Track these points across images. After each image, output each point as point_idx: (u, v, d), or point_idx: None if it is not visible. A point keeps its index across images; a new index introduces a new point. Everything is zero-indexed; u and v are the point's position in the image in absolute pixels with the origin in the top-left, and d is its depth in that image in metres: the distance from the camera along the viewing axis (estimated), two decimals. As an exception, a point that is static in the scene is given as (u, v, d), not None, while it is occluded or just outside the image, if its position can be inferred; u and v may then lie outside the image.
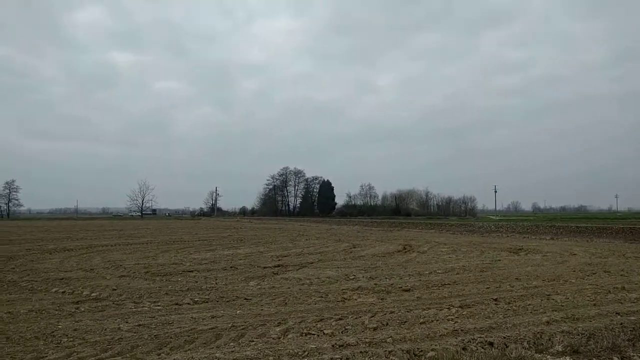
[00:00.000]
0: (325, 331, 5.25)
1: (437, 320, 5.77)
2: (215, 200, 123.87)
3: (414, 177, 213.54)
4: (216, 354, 4.39)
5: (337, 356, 4.31)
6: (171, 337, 5.00)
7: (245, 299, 7.26)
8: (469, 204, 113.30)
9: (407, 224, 43.82)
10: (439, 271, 10.46)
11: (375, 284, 8.59)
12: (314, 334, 5.15)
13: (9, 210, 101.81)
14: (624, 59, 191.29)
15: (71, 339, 4.94)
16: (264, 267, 11.16)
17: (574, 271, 10.43)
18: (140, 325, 5.54)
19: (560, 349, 4.59)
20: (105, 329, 5.33)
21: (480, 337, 4.95)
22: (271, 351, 4.47)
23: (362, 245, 18.40)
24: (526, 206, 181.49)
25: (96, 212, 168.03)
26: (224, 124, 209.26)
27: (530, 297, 7.34)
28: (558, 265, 11.53)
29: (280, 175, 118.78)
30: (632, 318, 5.85)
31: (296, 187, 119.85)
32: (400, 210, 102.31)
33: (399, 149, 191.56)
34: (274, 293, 7.74)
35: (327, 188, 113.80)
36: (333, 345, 4.66)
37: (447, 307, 6.57)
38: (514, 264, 11.93)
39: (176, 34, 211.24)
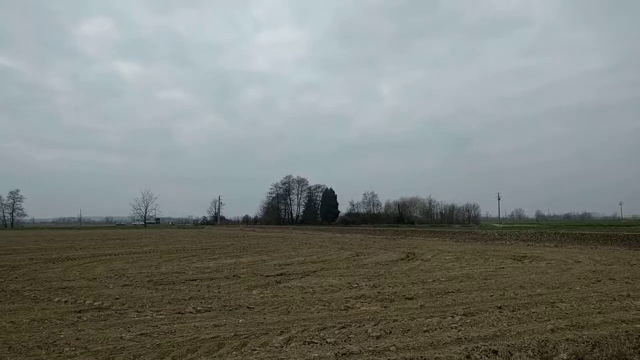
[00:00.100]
0: (328, 340, 5.23)
1: (441, 329, 5.74)
2: (218, 209, 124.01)
3: (417, 184, 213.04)
4: (218, 363, 4.37)
5: (340, 365, 4.29)
6: (173, 346, 4.99)
7: (248, 307, 7.24)
8: (472, 211, 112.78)
9: (410, 232, 43.66)
10: (443, 279, 10.41)
11: (379, 292, 8.56)
12: (316, 343, 5.12)
13: (12, 219, 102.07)
14: (630, 66, 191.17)
15: (73, 349, 4.93)
16: (267, 276, 11.13)
17: (579, 279, 10.36)
18: (142, 334, 5.53)
19: (565, 357, 4.55)
20: (108, 338, 5.32)
21: (484, 346, 4.91)
22: (274, 360, 4.45)
23: (365, 254, 18.34)
24: (530, 213, 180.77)
25: (99, 222, 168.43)
26: (227, 133, 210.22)
27: (535, 304, 7.29)
28: (562, 273, 11.46)
29: (283, 184, 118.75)
30: (638, 326, 5.81)
31: (299, 196, 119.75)
32: (403, 218, 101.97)
33: (402, 157, 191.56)
34: (277, 302, 7.72)
35: (330, 196, 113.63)
36: (336, 354, 4.64)
37: (451, 315, 6.53)
38: (517, 271, 11.86)
39: (181, 45, 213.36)
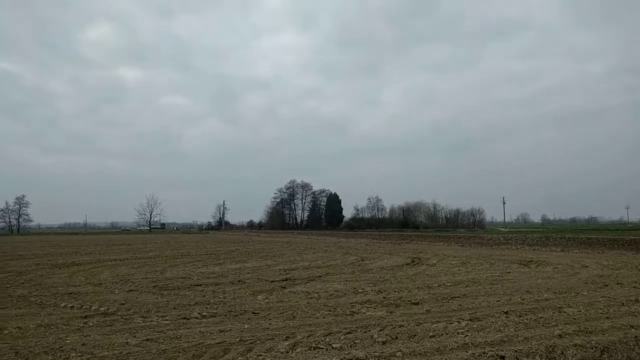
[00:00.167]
0: (334, 345, 5.21)
1: (447, 334, 5.70)
2: (223, 214, 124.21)
3: (422, 189, 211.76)
4: (224, 369, 4.36)
5: (346, 371, 4.27)
6: (179, 352, 4.99)
7: (253, 313, 7.23)
8: (478, 215, 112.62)
9: (415, 237, 43.53)
10: (448, 284, 10.36)
11: (384, 297, 8.52)
12: (322, 348, 5.10)
13: (19, 225, 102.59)
14: (633, 69, 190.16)
15: (79, 354, 4.94)
16: (272, 281, 11.12)
17: (586, 283, 10.28)
18: (148, 339, 5.53)
19: (573, 363, 4.51)
20: (114, 344, 5.33)
21: (491, 351, 4.88)
22: (279, 366, 4.44)
23: (370, 259, 18.29)
24: (535, 218, 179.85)
25: (105, 227, 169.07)
26: (231, 138, 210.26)
27: (542, 310, 7.24)
28: (569, 278, 11.38)
29: (287, 189, 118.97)
30: (647, 331, 5.75)
31: (303, 201, 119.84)
32: (408, 223, 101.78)
33: (406, 161, 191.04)
34: (282, 307, 7.70)
35: (334, 201, 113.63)
36: (342, 359, 4.62)
37: (457, 320, 6.49)
38: (524, 276, 11.79)
39: (183, 50, 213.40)
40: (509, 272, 12.71)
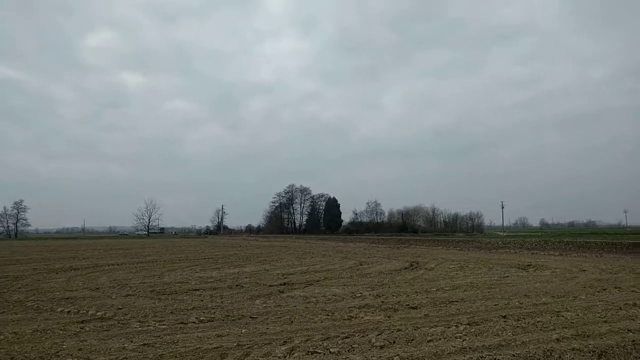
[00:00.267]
0: (332, 350, 5.19)
1: (445, 338, 5.69)
2: (222, 218, 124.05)
3: (421, 193, 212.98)
4: (221, 374, 4.34)
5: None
6: (176, 357, 4.97)
7: (251, 317, 7.21)
8: (476, 220, 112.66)
9: (414, 241, 43.53)
10: (447, 288, 10.34)
11: (382, 302, 8.51)
12: (320, 353, 5.09)
13: (16, 230, 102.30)
14: (634, 73, 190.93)
15: (76, 359, 4.91)
16: (270, 285, 11.09)
17: (584, 287, 10.28)
18: (145, 344, 5.51)
19: (571, 367, 4.50)
20: (110, 349, 5.31)
21: (489, 355, 4.87)
22: (277, 370, 4.42)
23: (368, 263, 18.27)
24: (534, 222, 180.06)
25: (103, 231, 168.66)
26: (231, 143, 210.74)
27: (540, 314, 7.23)
28: (567, 282, 11.38)
29: (286, 193, 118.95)
30: (645, 335, 5.74)
31: (302, 205, 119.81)
32: (407, 227, 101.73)
33: (406, 166, 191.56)
34: (280, 311, 7.68)
35: (333, 205, 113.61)
36: (339, 364, 4.60)
37: (455, 324, 6.48)
38: (522, 280, 11.78)
39: (185, 56, 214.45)
40: (507, 276, 12.71)
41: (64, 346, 5.46)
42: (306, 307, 8.04)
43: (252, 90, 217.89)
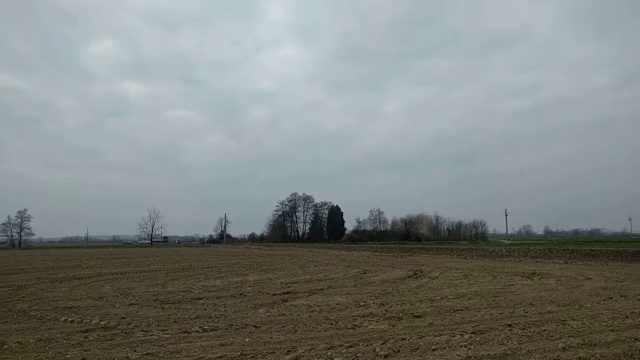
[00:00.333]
0: (336, 359, 5.17)
1: (450, 347, 5.65)
2: (225, 227, 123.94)
3: (424, 201, 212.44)
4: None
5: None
6: (180, 366, 4.95)
7: (255, 326, 7.18)
8: (480, 228, 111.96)
9: (417, 249, 43.33)
10: (451, 297, 10.29)
11: (386, 310, 8.47)
12: (324, 362, 5.06)
13: (20, 239, 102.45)
14: (635, 81, 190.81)
15: (79, 369, 4.90)
16: (273, 294, 11.06)
17: (590, 296, 10.21)
18: (148, 353, 5.49)
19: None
20: (114, 358, 5.30)
21: (494, 365, 4.83)
22: (281, 380, 4.40)
23: (372, 271, 18.21)
24: (538, 230, 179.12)
25: (106, 240, 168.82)
26: (233, 151, 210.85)
27: (545, 322, 7.18)
28: (573, 290, 11.30)
29: (289, 201, 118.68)
30: (652, 344, 5.69)
31: (305, 213, 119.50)
32: (410, 235, 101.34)
33: (408, 174, 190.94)
34: (284, 320, 7.66)
35: (336, 213, 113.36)
36: (343, 374, 4.58)
37: (460, 333, 6.44)
38: (527, 288, 11.71)
39: (187, 64, 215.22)
40: (512, 285, 12.63)
41: (68, 356, 5.45)
42: (310, 316, 8.01)
43: (254, 99, 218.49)
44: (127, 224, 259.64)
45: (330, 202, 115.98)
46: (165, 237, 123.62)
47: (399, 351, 5.49)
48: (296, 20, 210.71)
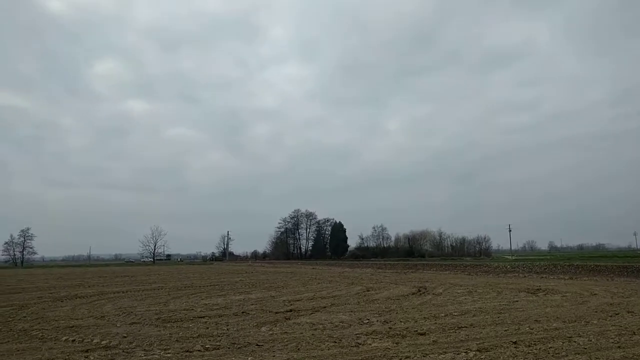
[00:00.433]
0: (339, 378, 5.10)
1: (455, 365, 5.58)
2: (227, 244, 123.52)
3: (427, 217, 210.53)
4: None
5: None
6: (181, 386, 4.90)
7: (257, 345, 7.12)
8: (484, 244, 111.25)
9: (421, 266, 43.05)
10: (455, 313, 10.19)
11: (390, 328, 8.38)
12: (327, 381, 5.00)
13: (23, 258, 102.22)
14: (634, 96, 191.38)
15: (80, 389, 4.85)
16: (276, 312, 10.98)
17: (596, 312, 10.09)
18: (150, 373, 5.43)
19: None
20: (115, 378, 5.24)
21: (500, 383, 4.76)
22: (283, 400, 4.34)
23: (375, 288, 18.06)
24: (542, 245, 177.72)
25: (109, 259, 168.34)
26: (235, 168, 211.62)
27: (551, 339, 7.09)
28: (579, 306, 11.18)
29: (291, 218, 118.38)
30: (660, 360, 5.61)
31: (308, 230, 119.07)
32: (413, 252, 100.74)
33: (411, 190, 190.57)
34: (286, 339, 7.58)
35: (339, 230, 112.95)
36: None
37: (465, 350, 6.37)
38: (532, 305, 11.59)
39: (189, 83, 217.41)
40: (517, 301, 12.51)
41: (69, 376, 5.40)
42: (313, 334, 7.93)
43: (256, 116, 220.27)
44: (129, 243, 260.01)
45: (333, 219, 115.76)
46: (169, 255, 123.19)
47: (403, 369, 5.42)
48: (298, 38, 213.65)
